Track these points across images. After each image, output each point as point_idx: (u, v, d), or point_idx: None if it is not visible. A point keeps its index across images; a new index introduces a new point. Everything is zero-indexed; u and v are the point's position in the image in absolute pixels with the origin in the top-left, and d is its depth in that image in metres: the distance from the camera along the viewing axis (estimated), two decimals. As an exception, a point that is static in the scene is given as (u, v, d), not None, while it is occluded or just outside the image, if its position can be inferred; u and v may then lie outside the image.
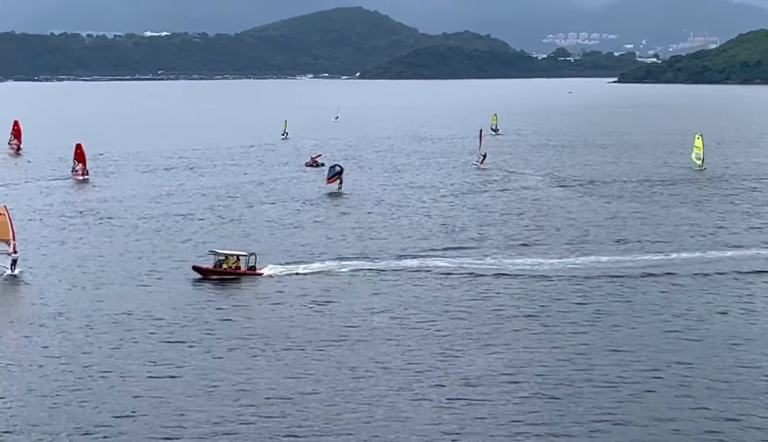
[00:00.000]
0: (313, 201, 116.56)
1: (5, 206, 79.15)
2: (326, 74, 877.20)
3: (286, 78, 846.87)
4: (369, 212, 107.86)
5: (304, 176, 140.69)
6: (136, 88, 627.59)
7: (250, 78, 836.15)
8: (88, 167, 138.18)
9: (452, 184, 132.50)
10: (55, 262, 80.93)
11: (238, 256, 76.60)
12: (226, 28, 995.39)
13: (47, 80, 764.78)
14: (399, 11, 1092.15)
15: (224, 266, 75.70)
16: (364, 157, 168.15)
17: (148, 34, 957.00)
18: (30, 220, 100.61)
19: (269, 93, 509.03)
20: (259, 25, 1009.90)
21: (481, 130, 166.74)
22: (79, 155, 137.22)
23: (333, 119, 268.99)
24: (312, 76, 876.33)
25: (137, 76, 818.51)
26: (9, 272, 74.96)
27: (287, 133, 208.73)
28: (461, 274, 75.89)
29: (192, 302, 68.25)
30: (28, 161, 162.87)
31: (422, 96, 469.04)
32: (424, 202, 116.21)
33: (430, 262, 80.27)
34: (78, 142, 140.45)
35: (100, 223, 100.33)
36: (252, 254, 77.35)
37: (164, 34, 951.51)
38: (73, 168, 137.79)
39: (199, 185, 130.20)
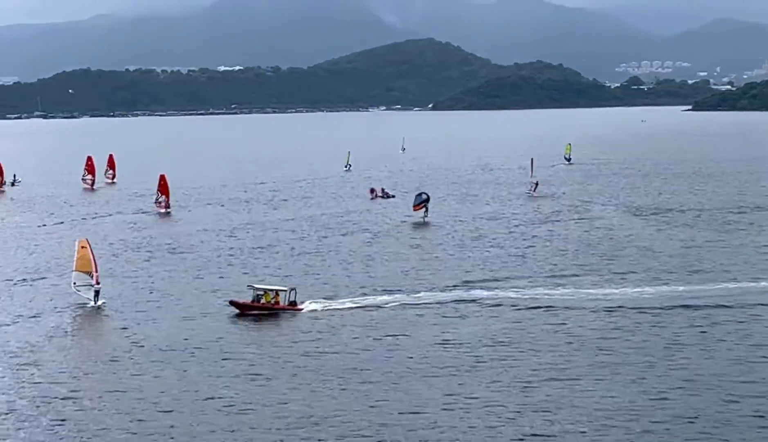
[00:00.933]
0: (381, 233, 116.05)
1: (87, 239, 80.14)
2: (398, 106, 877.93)
3: (358, 110, 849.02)
4: (439, 244, 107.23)
5: (372, 208, 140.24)
6: (210, 122, 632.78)
7: (322, 111, 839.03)
8: (171, 200, 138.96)
9: (524, 214, 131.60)
10: (132, 293, 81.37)
11: (277, 291, 75.83)
12: (299, 62, 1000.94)
13: (123, 116, 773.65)
14: (471, 42, 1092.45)
15: (262, 300, 75.02)
16: (432, 188, 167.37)
17: (222, 68, 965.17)
18: (112, 252, 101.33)
19: (340, 125, 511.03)
20: (331, 58, 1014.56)
21: (532, 159, 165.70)
22: (163, 187, 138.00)
23: (400, 150, 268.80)
24: (384, 108, 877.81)
25: (211, 110, 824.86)
26: (92, 303, 76.41)
27: (350, 165, 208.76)
28: (533, 305, 74.93)
29: (229, 336, 68.01)
30: (110, 194, 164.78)
31: (494, 126, 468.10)
32: (495, 232, 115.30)
33: (501, 293, 79.39)
34: (162, 174, 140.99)
35: (176, 255, 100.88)
36: (292, 289, 76.22)
37: (237, 68, 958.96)
38: (157, 199, 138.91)
39: (269, 218, 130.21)
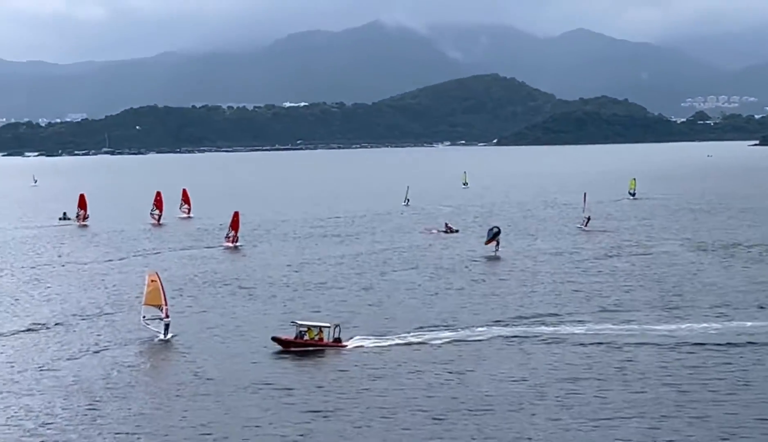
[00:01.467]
0: (442, 268, 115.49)
1: (157, 273, 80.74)
2: (463, 141, 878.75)
3: (422, 146, 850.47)
4: (500, 278, 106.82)
5: (435, 244, 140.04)
6: (276, 157, 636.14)
7: (387, 146, 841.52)
8: (239, 234, 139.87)
9: (588, 249, 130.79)
10: (196, 327, 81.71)
11: (321, 327, 75.33)
12: (364, 98, 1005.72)
13: (189, 152, 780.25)
14: (535, 77, 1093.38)
15: (306, 337, 74.68)
16: (494, 222, 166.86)
17: (287, 104, 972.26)
18: (178, 286, 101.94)
19: (403, 161, 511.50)
20: (396, 94, 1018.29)
21: (585, 194, 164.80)
22: (234, 223, 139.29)
23: (462, 185, 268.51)
24: (449, 143, 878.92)
25: (276, 146, 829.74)
26: (161, 336, 76.90)
27: (408, 200, 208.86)
28: (597, 341, 74.39)
29: (272, 373, 67.87)
30: (179, 229, 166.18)
31: (558, 162, 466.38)
32: (558, 266, 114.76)
33: (565, 328, 78.97)
34: (236, 211, 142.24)
35: (241, 290, 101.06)
36: (336, 325, 75.61)
37: (303, 104, 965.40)
38: (227, 234, 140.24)
39: (331, 253, 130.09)
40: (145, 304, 78.33)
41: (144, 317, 78.15)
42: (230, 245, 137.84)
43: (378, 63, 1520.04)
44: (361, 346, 74.31)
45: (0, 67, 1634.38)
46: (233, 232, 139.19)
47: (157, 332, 77.14)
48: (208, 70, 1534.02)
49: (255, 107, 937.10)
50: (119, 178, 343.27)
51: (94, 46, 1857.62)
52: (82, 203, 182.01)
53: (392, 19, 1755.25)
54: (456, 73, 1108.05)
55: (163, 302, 77.22)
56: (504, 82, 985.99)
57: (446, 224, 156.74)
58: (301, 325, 75.47)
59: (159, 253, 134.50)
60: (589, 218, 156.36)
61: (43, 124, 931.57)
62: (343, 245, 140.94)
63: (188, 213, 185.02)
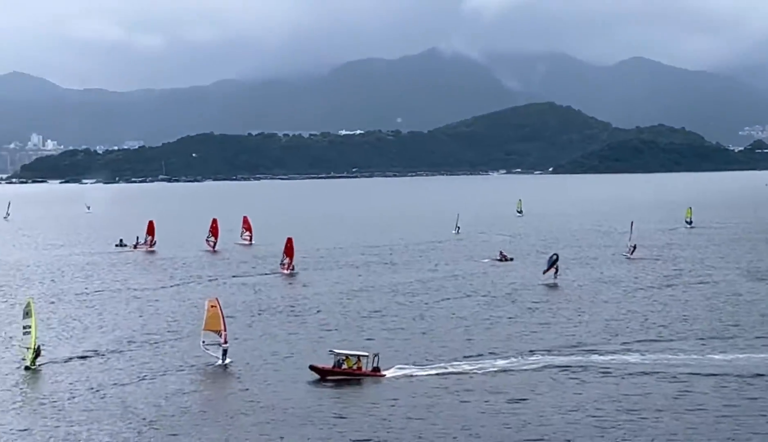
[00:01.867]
0: (495, 296, 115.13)
1: (217, 299, 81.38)
2: (519, 169, 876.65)
3: (478, 174, 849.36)
4: (554, 307, 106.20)
5: (489, 271, 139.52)
6: (331, 185, 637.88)
7: (442, 174, 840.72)
8: (294, 262, 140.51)
9: (644, 277, 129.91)
10: (246, 354, 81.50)
11: (359, 356, 75.16)
12: (419, 126, 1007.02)
13: (245, 179, 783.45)
14: (591, 106, 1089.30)
15: (344, 365, 74.43)
16: (549, 250, 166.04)
17: (343, 132, 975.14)
18: (234, 312, 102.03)
19: (458, 188, 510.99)
20: (451, 122, 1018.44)
21: (632, 223, 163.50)
22: (288, 249, 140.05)
23: (517, 213, 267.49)
24: (504, 171, 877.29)
25: (332, 173, 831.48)
26: (220, 361, 77.49)
27: (459, 228, 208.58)
28: (654, 371, 73.64)
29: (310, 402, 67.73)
30: (236, 255, 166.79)
31: (615, 190, 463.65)
32: (613, 295, 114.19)
33: (621, 357, 78.25)
34: (289, 237, 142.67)
35: (295, 317, 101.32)
36: (375, 355, 75.27)
37: (358, 132, 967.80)
38: (282, 261, 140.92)
39: (384, 281, 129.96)
40: (205, 329, 79.22)
41: (203, 342, 78.94)
42: (286, 272, 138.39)
43: (434, 91, 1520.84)
44: (401, 375, 73.90)
45: (59, 94, 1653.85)
46: (288, 259, 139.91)
47: (216, 357, 77.73)
48: (265, 98, 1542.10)
49: (311, 135, 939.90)
50: (175, 205, 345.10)
51: (152, 75, 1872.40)
52: (150, 229, 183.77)
53: (449, 47, 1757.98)
54: (512, 102, 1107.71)
55: (222, 328, 78.02)
56: (560, 111, 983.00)
57: (501, 252, 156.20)
58: (339, 353, 75.37)
59: (213, 279, 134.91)
60: (635, 247, 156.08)
61: (100, 152, 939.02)
62: (396, 272, 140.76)
63: (250, 240, 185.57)
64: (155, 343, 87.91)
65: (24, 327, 77.82)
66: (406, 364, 76.52)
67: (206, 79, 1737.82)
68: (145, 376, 74.91)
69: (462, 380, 72.22)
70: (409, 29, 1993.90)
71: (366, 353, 75.55)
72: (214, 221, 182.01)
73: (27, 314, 77.57)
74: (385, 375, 73.74)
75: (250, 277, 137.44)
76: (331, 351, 76.45)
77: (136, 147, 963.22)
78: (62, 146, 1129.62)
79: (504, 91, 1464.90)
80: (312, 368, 74.39)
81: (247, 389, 70.71)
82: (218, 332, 78.06)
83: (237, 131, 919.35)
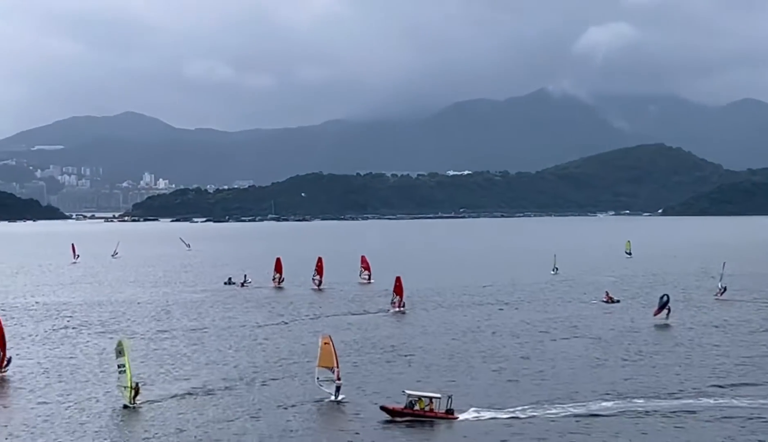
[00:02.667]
0: (599, 338, 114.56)
1: (330, 336, 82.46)
2: (627, 211, 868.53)
3: (586, 215, 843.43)
4: (659, 350, 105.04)
5: (594, 313, 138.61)
6: (439, 225, 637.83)
7: (550, 215, 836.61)
8: (404, 299, 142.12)
9: (755, 321, 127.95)
10: (350, 392, 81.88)
11: (431, 397, 74.90)
12: (527, 166, 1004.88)
13: (353, 219, 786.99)
14: (702, 147, 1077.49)
15: (416, 407, 74.21)
16: (655, 293, 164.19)
17: (451, 173, 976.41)
18: (345, 349, 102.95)
19: (565, 230, 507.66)
20: (559, 162, 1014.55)
21: (723, 263, 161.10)
22: (398, 288, 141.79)
23: (626, 255, 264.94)
24: (613, 213, 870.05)
25: (439, 214, 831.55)
26: (333, 397, 78.62)
27: (557, 269, 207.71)
28: (760, 416, 72.64)
29: None
30: (345, 294, 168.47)
31: (726, 233, 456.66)
32: (721, 338, 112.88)
33: (733, 402, 77.51)
34: (398, 276, 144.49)
35: (401, 357, 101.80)
36: (449, 396, 74.88)
37: (466, 173, 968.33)
38: (392, 300, 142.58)
39: (491, 322, 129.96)
40: (319, 366, 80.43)
41: (318, 378, 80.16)
42: (395, 309, 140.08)
43: (542, 131, 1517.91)
44: (476, 417, 73.44)
45: (171, 134, 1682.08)
46: (398, 297, 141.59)
47: (330, 393, 78.79)
48: (373, 138, 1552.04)
49: (419, 175, 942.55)
50: (284, 244, 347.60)
51: (262, 114, 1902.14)
52: (278, 267, 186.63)
53: (557, 89, 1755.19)
54: (621, 142, 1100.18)
55: (335, 365, 79.38)
56: (670, 152, 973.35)
57: (607, 293, 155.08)
58: (411, 395, 75.43)
59: (320, 317, 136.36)
60: (725, 288, 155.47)
61: (211, 191, 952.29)
62: (501, 313, 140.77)
63: (369, 279, 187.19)
64: (263, 380, 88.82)
65: (118, 366, 78.46)
66: (482, 406, 76.22)
67: (315, 119, 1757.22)
68: (252, 413, 75.84)
69: (545, 424, 71.79)
70: (517, 71, 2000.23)
71: (439, 395, 75.37)
72: (319, 260, 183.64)
73: (120, 353, 78.33)
74: (458, 418, 73.46)
75: (360, 315, 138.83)
76: (404, 392, 76.62)
77: (246, 186, 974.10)
78: (173, 185, 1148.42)
79: (613, 132, 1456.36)
80: (383, 408, 74.79)
81: (322, 426, 71.87)
82: (331, 369, 79.35)
83: (345, 171, 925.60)
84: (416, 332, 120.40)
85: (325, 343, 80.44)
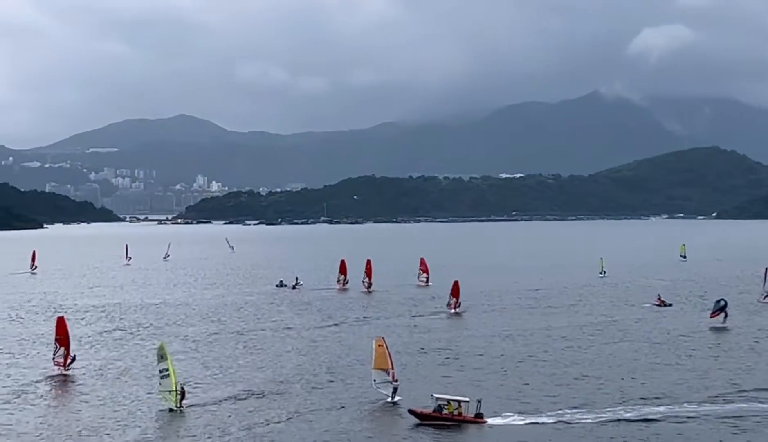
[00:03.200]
0: (649, 342, 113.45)
1: (383, 338, 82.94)
2: (681, 215, 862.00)
3: (639, 218, 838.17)
4: (710, 353, 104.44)
5: (646, 317, 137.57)
6: (491, 228, 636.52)
7: (603, 218, 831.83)
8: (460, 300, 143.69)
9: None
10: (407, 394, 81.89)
11: (460, 401, 74.59)
12: (580, 170, 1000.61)
13: (405, 222, 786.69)
14: (757, 150, 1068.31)
15: (445, 411, 73.95)
16: (708, 296, 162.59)
17: (503, 175, 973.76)
18: (406, 351, 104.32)
19: (619, 233, 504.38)
20: (613, 165, 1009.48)
21: (766, 269, 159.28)
22: (455, 291, 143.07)
23: (680, 258, 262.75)
24: (666, 216, 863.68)
25: (492, 217, 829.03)
26: (389, 399, 78.87)
27: (605, 272, 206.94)
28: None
29: None
30: (408, 296, 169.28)
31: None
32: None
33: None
34: (456, 280, 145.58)
35: (453, 360, 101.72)
36: (478, 401, 74.47)
37: (518, 175, 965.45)
38: (448, 302, 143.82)
39: (542, 325, 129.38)
40: (374, 368, 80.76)
41: (374, 380, 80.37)
42: (452, 311, 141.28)
43: (595, 134, 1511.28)
44: (507, 423, 72.94)
45: (224, 137, 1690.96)
46: (454, 299, 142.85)
47: (386, 395, 78.98)
48: (425, 141, 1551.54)
49: (471, 178, 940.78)
50: (337, 247, 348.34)
51: (315, 117, 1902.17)
52: (342, 269, 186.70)
53: (610, 91, 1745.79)
54: (674, 146, 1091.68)
55: (390, 366, 79.76)
56: (724, 155, 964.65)
57: (659, 297, 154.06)
58: (440, 398, 75.24)
59: (368, 319, 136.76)
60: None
61: (263, 193, 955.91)
62: (552, 316, 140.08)
63: (426, 282, 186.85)
64: (311, 383, 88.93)
65: (160, 371, 78.43)
66: (521, 411, 75.87)
67: (367, 122, 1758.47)
68: (300, 414, 75.95)
69: (586, 429, 71.31)
70: (569, 73, 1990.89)
71: (467, 399, 75.05)
72: (368, 263, 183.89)
73: (162, 357, 78.29)
74: (486, 422, 73.08)
75: (415, 318, 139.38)
76: (432, 395, 76.37)
77: (298, 189, 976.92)
78: (226, 188, 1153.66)
79: (667, 135, 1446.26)
80: (411, 411, 74.68)
81: (349, 428, 71.97)
82: (386, 371, 79.74)
83: (398, 174, 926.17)
84: (466, 335, 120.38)
85: (379, 345, 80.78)
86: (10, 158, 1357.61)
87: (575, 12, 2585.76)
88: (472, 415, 73.64)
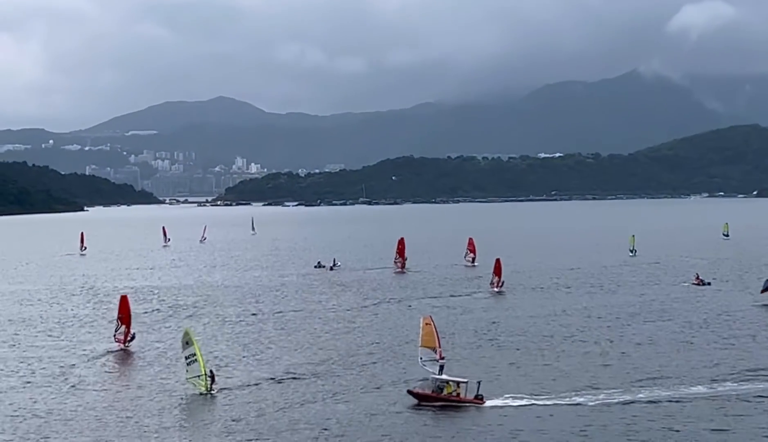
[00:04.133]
0: (685, 321, 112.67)
1: (430, 316, 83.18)
2: (721, 193, 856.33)
3: (679, 197, 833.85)
4: (743, 333, 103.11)
5: (684, 297, 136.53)
6: (531, 208, 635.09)
7: (643, 198, 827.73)
8: (503, 278, 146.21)
9: None
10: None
11: (458, 382, 74.44)
12: (619, 149, 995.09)
13: (444, 202, 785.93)
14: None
15: (444, 392, 73.81)
16: (751, 275, 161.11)
17: (542, 155, 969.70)
18: (451, 331, 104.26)
19: (658, 212, 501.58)
20: (652, 144, 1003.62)
21: None
22: (497, 269, 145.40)
23: (723, 237, 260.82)
24: (707, 195, 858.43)
25: (531, 196, 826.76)
26: (436, 376, 78.13)
27: (635, 250, 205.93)
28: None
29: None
30: (446, 276, 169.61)
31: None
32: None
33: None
34: (497, 258, 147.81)
35: (490, 341, 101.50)
36: (478, 382, 74.37)
37: (557, 155, 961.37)
38: (491, 281, 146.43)
39: (582, 304, 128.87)
40: (422, 346, 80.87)
41: (421, 358, 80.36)
42: (495, 289, 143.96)
43: (634, 113, 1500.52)
44: (507, 404, 72.64)
45: (262, 119, 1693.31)
46: (497, 278, 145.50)
47: (433, 372, 78.37)
48: (464, 121, 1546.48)
49: (510, 158, 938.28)
50: (374, 227, 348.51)
51: (353, 98, 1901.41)
52: (401, 250, 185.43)
53: (649, 70, 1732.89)
54: (714, 124, 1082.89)
55: (437, 344, 79.92)
56: (764, 133, 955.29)
57: (697, 276, 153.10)
58: (439, 379, 75.26)
59: (436, 297, 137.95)
60: None
61: (302, 175, 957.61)
62: (592, 295, 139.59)
63: (473, 262, 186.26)
64: (347, 364, 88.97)
65: (187, 357, 78.42)
66: (519, 393, 75.46)
67: (406, 103, 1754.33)
68: (338, 395, 75.92)
69: (613, 410, 70.94)
70: (608, 52, 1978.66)
71: (466, 380, 74.95)
72: (401, 242, 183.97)
73: (187, 343, 78.42)
74: (484, 403, 72.71)
75: (457, 297, 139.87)
76: (432, 377, 76.33)
77: (337, 170, 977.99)
78: (265, 169, 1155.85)
79: (706, 114, 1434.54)
80: (410, 392, 74.69)
81: (349, 409, 72.10)
82: (433, 349, 79.84)
83: (436, 154, 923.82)
84: (510, 315, 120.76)
85: (426, 323, 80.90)
86: (51, 141, 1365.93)
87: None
88: (472, 396, 73.44)
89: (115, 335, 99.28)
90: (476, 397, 73.41)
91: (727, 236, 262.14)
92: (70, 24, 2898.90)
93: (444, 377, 75.90)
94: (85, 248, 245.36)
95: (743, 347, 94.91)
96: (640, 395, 73.65)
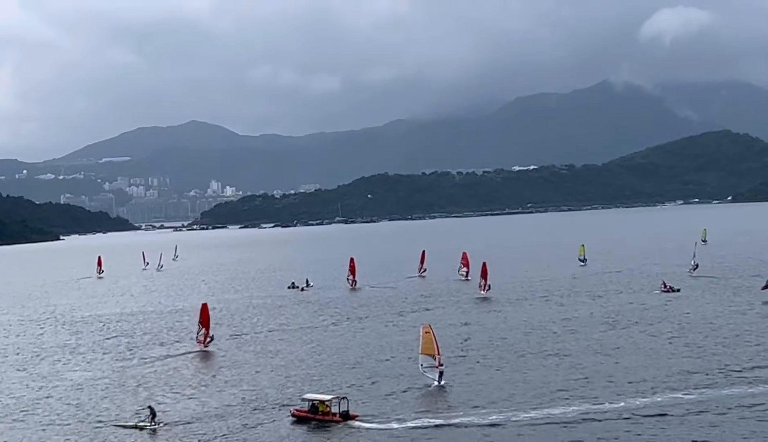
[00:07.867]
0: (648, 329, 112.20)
1: (430, 325, 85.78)
2: (696, 200, 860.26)
3: (654, 205, 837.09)
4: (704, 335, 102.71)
5: (648, 303, 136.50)
6: (506, 221, 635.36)
7: (618, 207, 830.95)
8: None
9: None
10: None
11: (325, 401, 73.82)
12: (593, 159, 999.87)
13: (420, 218, 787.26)
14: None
15: (319, 410, 73.26)
16: (729, 279, 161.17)
17: (516, 168, 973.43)
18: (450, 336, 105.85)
19: (634, 221, 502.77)
20: (625, 153, 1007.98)
21: (696, 243, 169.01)
22: (483, 272, 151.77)
23: (701, 242, 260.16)
24: (682, 202, 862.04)
25: (506, 210, 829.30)
26: (436, 383, 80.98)
27: (586, 259, 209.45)
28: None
29: None
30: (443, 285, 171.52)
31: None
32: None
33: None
34: (484, 261, 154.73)
35: (497, 345, 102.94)
36: (343, 398, 74.16)
37: (532, 167, 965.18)
38: (479, 284, 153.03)
39: (561, 316, 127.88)
40: (422, 353, 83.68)
41: (421, 365, 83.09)
42: (483, 293, 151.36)
43: (608, 123, 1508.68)
44: (365, 426, 71.44)
45: (236, 141, 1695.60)
46: (483, 281, 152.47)
47: (432, 379, 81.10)
48: (437, 136, 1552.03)
49: (484, 172, 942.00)
50: (348, 247, 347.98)
51: (326, 118, 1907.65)
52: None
53: (620, 79, 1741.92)
54: (686, 131, 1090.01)
55: (436, 352, 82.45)
56: (737, 138, 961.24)
57: (663, 282, 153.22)
58: (310, 399, 74.91)
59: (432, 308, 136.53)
60: (696, 266, 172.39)
61: (278, 196, 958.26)
62: (565, 306, 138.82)
63: (466, 276, 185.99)
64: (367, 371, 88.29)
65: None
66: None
67: (379, 120, 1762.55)
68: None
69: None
70: (580, 62, 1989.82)
71: (329, 397, 74.67)
72: (351, 261, 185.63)
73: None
74: (355, 420, 71.85)
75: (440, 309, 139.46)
76: (303, 398, 75.93)
77: (312, 190, 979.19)
78: (240, 192, 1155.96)
79: (678, 121, 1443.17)
80: (293, 414, 74.03)
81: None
82: (433, 356, 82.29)
83: (411, 171, 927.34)
84: (507, 323, 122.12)
85: (426, 331, 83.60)
86: (24, 171, 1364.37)
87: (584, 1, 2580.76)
88: (339, 413, 72.70)
89: (197, 337, 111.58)
90: (342, 414, 72.54)
91: (705, 241, 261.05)
92: (41, 53, 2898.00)
93: (312, 396, 75.56)
94: (102, 271, 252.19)
95: (715, 351, 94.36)
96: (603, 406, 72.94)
